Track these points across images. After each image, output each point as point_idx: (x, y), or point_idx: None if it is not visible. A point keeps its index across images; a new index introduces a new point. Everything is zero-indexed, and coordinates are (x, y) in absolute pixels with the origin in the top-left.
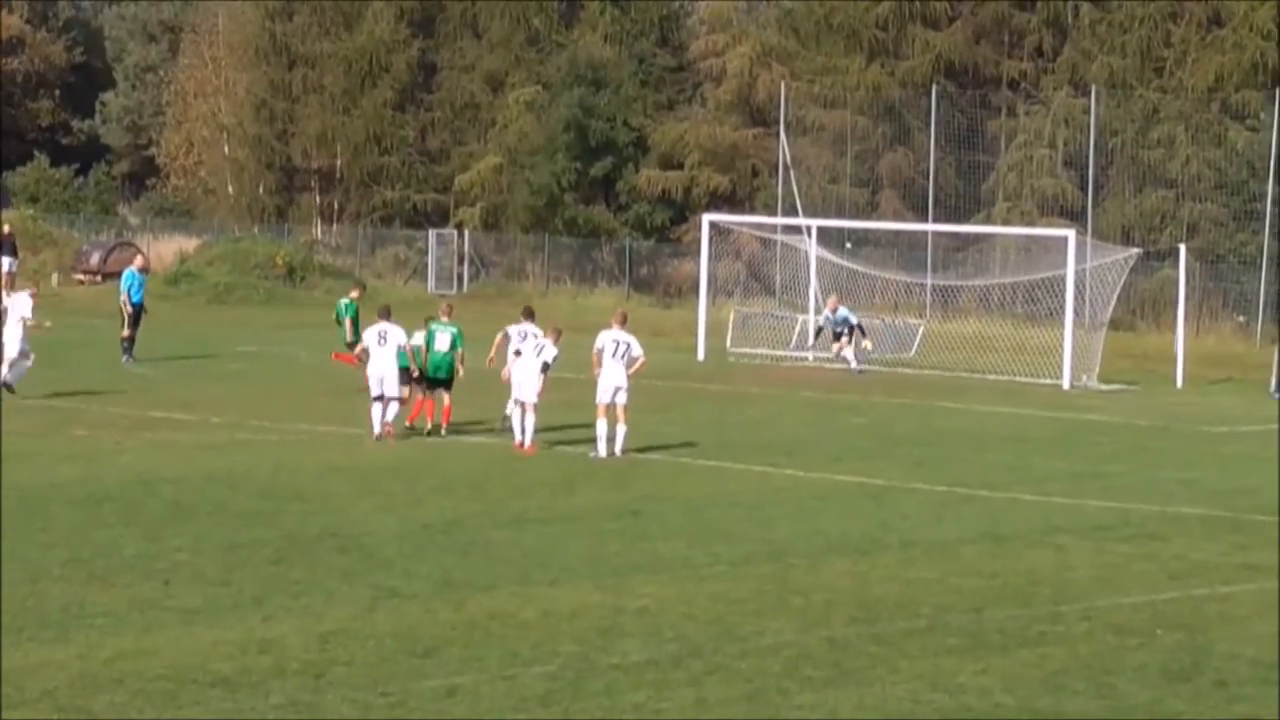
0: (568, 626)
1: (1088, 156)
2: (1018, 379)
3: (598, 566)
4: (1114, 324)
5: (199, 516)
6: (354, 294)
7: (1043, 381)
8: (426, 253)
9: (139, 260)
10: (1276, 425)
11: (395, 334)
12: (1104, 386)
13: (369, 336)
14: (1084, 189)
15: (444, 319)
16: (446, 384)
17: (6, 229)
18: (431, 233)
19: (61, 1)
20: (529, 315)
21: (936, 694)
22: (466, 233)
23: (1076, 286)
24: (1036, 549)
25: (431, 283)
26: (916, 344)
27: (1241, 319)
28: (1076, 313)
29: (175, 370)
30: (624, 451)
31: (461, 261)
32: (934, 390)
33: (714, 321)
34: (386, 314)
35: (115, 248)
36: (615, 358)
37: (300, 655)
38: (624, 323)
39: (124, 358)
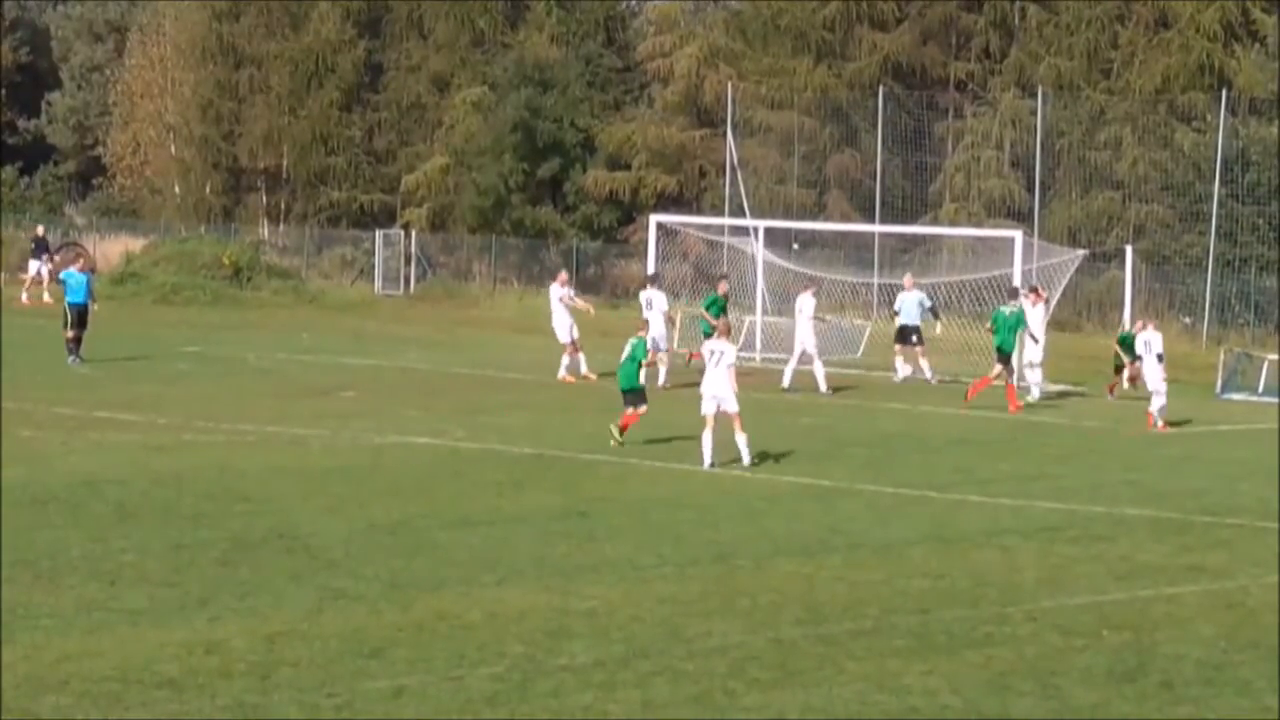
0: (515, 628)
1: (1035, 158)
2: (964, 380)
3: (545, 568)
4: (1060, 325)
5: (145, 517)
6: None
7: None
8: (373, 253)
9: (80, 261)
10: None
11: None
12: (1051, 387)
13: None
14: (1031, 190)
15: (639, 334)
16: (636, 394)
17: (40, 230)
18: (378, 233)
19: (7, 1)
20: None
21: (883, 695)
22: (413, 233)
23: (1026, 285)
24: (983, 550)
25: (378, 283)
26: (863, 345)
27: (1187, 320)
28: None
29: (121, 371)
30: (752, 460)
31: (408, 262)
32: (881, 391)
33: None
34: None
35: (61, 248)
36: (714, 366)
37: (247, 656)
38: (727, 334)
39: (70, 358)
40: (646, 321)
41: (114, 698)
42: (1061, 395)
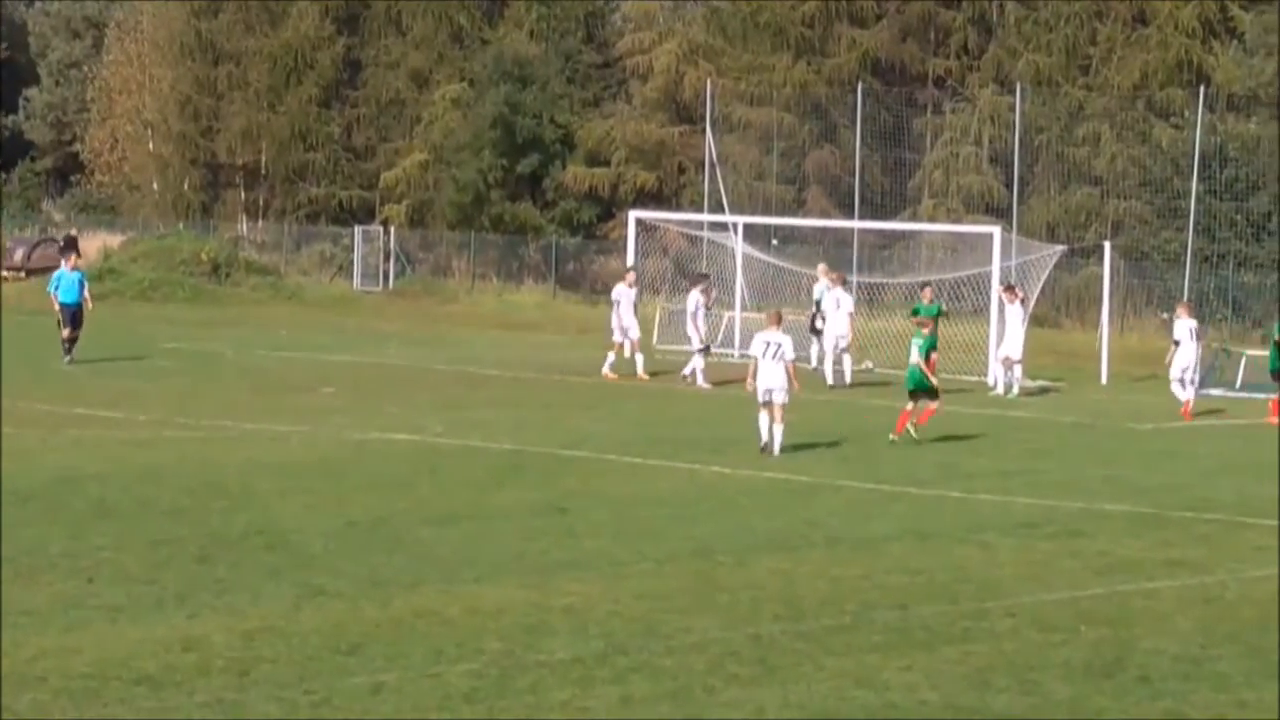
0: (493, 624)
1: (1013, 154)
2: (943, 376)
3: (524, 564)
4: (1039, 321)
5: (124, 514)
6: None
7: (968, 378)
8: (352, 250)
9: (73, 259)
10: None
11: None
12: (1030, 384)
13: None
14: (1009, 186)
15: (924, 331)
16: (927, 392)
17: (73, 231)
18: (357, 229)
19: None
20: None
21: (861, 691)
22: (392, 229)
23: (1002, 283)
24: (962, 546)
25: (357, 280)
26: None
27: (1165, 316)
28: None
29: (101, 367)
30: (781, 450)
31: (387, 258)
32: (860, 387)
33: (641, 318)
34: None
35: (39, 244)
36: (769, 359)
37: (225, 653)
38: (779, 323)
39: (64, 358)
40: (931, 320)
41: (92, 694)
42: (1041, 391)
